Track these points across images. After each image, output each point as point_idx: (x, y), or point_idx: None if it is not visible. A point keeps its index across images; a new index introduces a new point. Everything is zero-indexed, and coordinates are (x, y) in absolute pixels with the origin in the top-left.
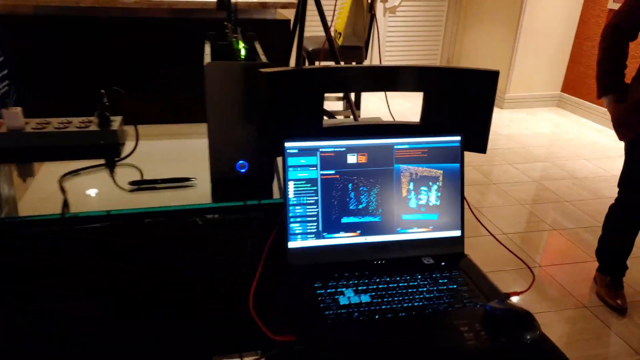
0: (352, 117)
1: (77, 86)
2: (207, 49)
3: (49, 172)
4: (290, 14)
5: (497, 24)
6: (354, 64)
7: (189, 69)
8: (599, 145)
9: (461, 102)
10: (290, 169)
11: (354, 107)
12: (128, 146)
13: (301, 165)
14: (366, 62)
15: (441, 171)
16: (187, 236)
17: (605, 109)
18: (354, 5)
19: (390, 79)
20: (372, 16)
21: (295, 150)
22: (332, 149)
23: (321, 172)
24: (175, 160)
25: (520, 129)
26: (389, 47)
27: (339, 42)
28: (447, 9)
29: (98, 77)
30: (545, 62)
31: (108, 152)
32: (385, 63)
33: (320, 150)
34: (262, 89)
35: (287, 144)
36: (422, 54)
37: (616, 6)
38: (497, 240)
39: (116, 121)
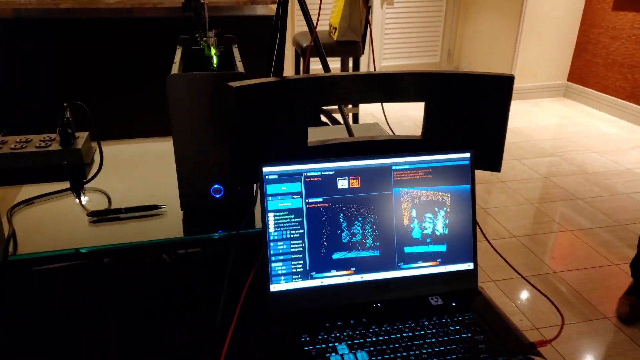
0: (337, 123)
1: (74, 88)
2: (178, 55)
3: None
4: None
5: (498, 13)
6: (350, 66)
7: None
8: (610, 137)
9: (470, 113)
10: (270, 198)
11: (346, 117)
12: (96, 165)
13: (283, 193)
14: (363, 57)
15: (448, 194)
16: (153, 274)
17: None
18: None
19: (386, 88)
20: (369, 9)
21: (275, 176)
22: (318, 173)
23: (307, 201)
24: (146, 181)
25: (525, 121)
26: (387, 40)
27: (335, 37)
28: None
29: (96, 80)
30: (550, 51)
31: (71, 174)
32: (383, 57)
33: (305, 174)
34: (232, 105)
35: (265, 169)
36: (421, 47)
37: None
38: (507, 262)
39: (81, 138)
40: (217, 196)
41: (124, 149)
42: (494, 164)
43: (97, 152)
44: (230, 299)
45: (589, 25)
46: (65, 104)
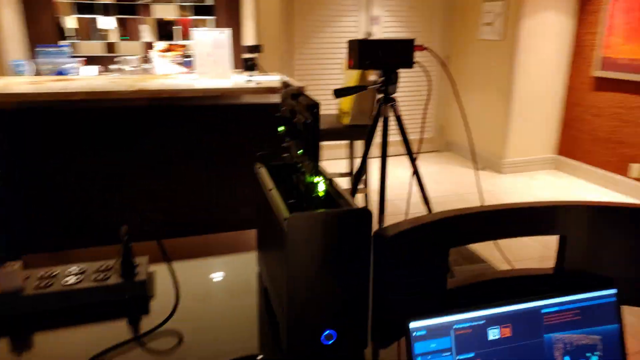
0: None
1: (88, 185)
2: (265, 176)
3: (52, 351)
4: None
5: (488, 93)
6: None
7: (227, 157)
8: None
9: (614, 247)
10: (419, 359)
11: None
12: (158, 295)
13: (432, 351)
14: None
15: (599, 336)
16: None
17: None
18: (360, 83)
19: (521, 222)
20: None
21: (424, 332)
22: (468, 324)
23: (458, 358)
24: (229, 316)
25: (523, 194)
26: None
27: (347, 122)
28: (434, 82)
29: (117, 175)
30: (539, 126)
31: (133, 311)
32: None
33: (455, 327)
34: (375, 254)
35: (412, 325)
36: (416, 124)
37: (602, 74)
38: None
39: (142, 264)
40: (329, 343)
41: (190, 269)
42: None
43: (161, 275)
44: None
45: (573, 105)
46: (125, 226)
